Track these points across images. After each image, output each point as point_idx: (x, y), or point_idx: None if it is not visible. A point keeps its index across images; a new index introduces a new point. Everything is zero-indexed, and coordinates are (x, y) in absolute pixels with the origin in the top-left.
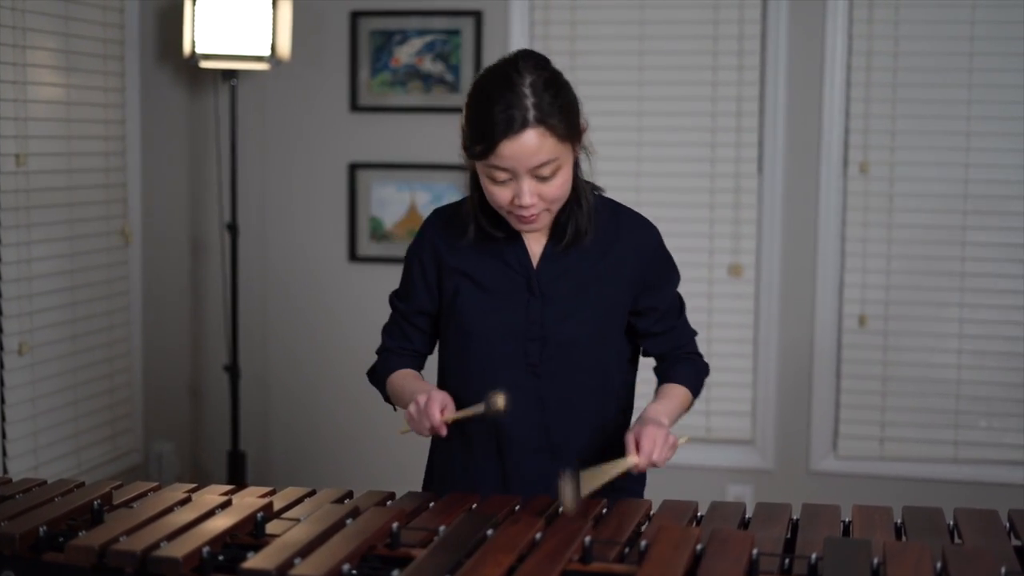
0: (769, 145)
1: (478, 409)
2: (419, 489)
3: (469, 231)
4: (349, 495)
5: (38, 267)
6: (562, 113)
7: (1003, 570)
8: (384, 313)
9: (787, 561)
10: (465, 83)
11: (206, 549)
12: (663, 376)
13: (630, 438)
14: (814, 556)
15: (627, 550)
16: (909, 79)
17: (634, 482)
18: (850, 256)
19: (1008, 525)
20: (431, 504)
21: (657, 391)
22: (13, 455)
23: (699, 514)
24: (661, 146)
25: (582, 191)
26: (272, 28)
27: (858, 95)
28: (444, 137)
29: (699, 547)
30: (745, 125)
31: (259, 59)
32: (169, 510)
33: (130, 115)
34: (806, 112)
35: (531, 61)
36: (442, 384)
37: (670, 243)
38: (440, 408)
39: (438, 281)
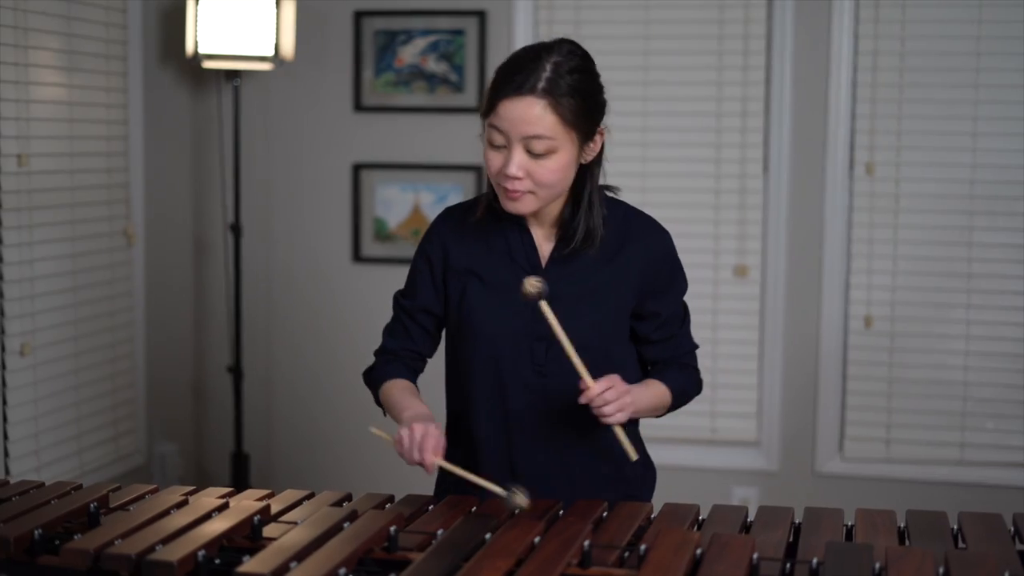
0: (775, 145)
1: (491, 487)
2: (428, 490)
3: (479, 210)
4: (348, 498)
5: (40, 268)
6: (575, 98)
7: (1006, 575)
8: (388, 314)
9: (788, 566)
10: (469, 83)
11: (201, 553)
12: (652, 374)
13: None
14: (815, 561)
15: (626, 554)
16: (915, 79)
17: (643, 489)
18: (856, 257)
19: (1013, 529)
20: (430, 507)
21: (643, 380)
22: (15, 456)
23: (700, 518)
24: (666, 146)
25: (595, 194)
26: (275, 28)
27: (864, 95)
28: (448, 137)
29: (699, 551)
30: (750, 125)
31: (262, 59)
32: (166, 513)
33: (133, 115)
34: (812, 112)
35: (568, 46)
36: (449, 383)
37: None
38: (434, 450)
39: (444, 280)
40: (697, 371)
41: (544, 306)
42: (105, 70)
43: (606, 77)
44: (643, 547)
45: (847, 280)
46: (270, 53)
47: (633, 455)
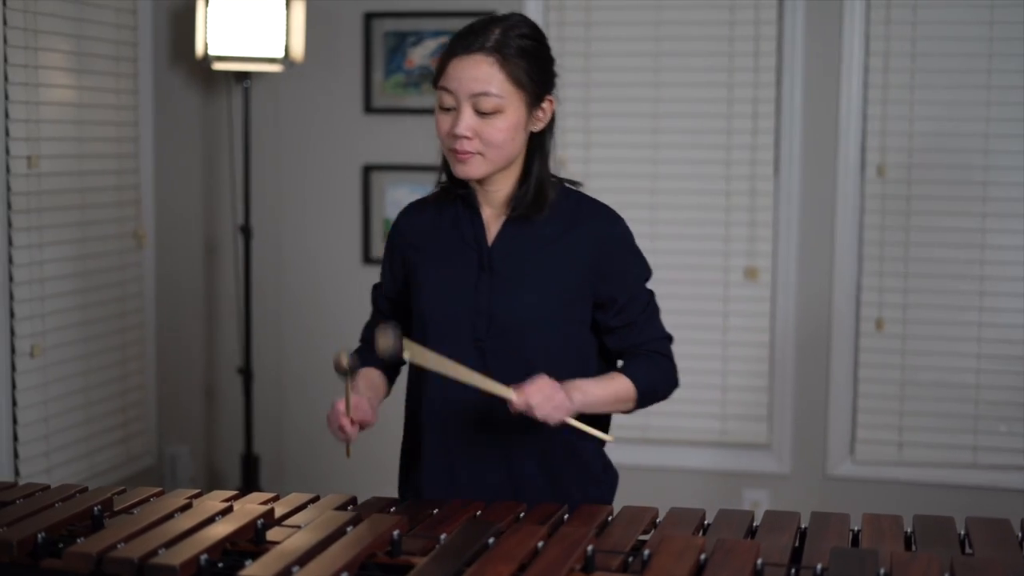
0: (785, 147)
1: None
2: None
3: (433, 193)
4: (353, 501)
5: (50, 269)
6: (524, 59)
7: None
8: None
9: (792, 571)
10: None
11: (204, 557)
12: (619, 369)
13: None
14: (819, 566)
15: (630, 559)
16: (927, 80)
17: (602, 489)
18: (867, 259)
19: (1021, 535)
20: (434, 511)
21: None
22: (25, 457)
23: (706, 522)
24: (676, 148)
25: (545, 165)
26: (285, 30)
27: (875, 97)
28: None
29: (703, 556)
30: (761, 127)
31: (272, 61)
32: (170, 516)
33: (143, 117)
34: (823, 114)
35: (519, 17)
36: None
37: (686, 245)
38: (340, 413)
39: (403, 266)
40: (670, 361)
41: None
42: (115, 72)
43: (616, 79)
44: (647, 552)
45: (858, 282)
46: (280, 55)
47: (606, 437)
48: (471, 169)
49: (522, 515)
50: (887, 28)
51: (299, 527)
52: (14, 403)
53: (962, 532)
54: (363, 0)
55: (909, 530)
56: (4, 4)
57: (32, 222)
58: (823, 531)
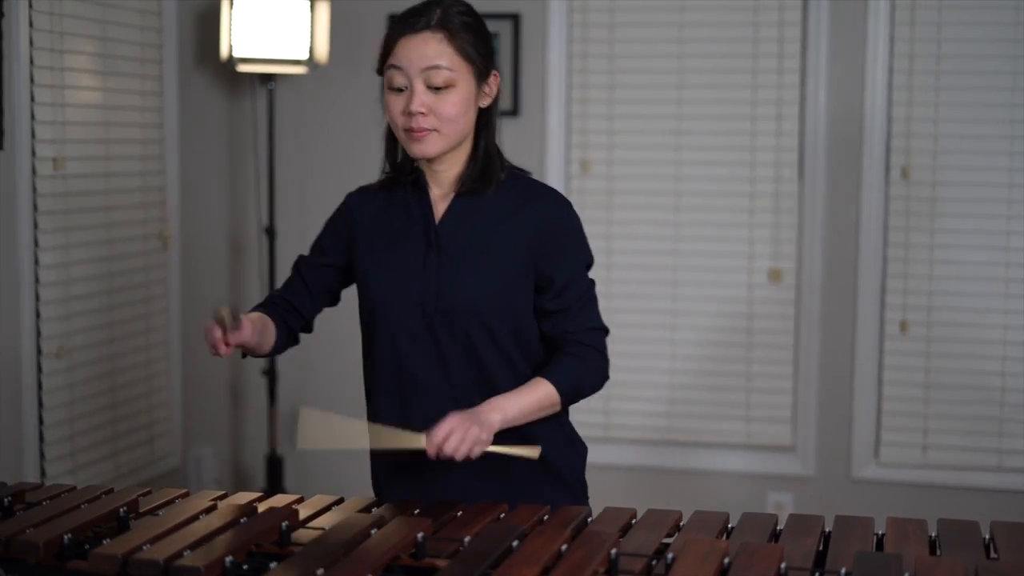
0: (810, 149)
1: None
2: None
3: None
4: (377, 503)
5: (76, 271)
6: (469, 34)
7: None
8: None
9: (816, 575)
10: (504, 87)
11: (229, 558)
12: (544, 368)
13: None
14: (843, 570)
15: (654, 562)
16: (952, 82)
17: (571, 495)
18: (892, 261)
19: None
20: (458, 513)
21: (526, 383)
22: (51, 458)
23: (730, 525)
24: (700, 149)
25: (492, 141)
26: (310, 32)
27: (900, 98)
28: None
29: (727, 560)
30: (785, 128)
31: (297, 63)
32: (195, 518)
33: (168, 119)
34: (847, 115)
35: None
36: (365, 340)
37: (710, 247)
38: (220, 326)
39: (347, 243)
40: (600, 354)
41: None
42: (140, 74)
43: (640, 80)
44: (670, 555)
45: (883, 284)
46: (304, 56)
47: (532, 454)
48: (428, 147)
49: (546, 518)
50: (912, 29)
51: (324, 529)
52: (40, 404)
53: (987, 536)
54: (387, 1)
55: (933, 534)
56: (30, 6)
57: (58, 224)
58: (847, 535)
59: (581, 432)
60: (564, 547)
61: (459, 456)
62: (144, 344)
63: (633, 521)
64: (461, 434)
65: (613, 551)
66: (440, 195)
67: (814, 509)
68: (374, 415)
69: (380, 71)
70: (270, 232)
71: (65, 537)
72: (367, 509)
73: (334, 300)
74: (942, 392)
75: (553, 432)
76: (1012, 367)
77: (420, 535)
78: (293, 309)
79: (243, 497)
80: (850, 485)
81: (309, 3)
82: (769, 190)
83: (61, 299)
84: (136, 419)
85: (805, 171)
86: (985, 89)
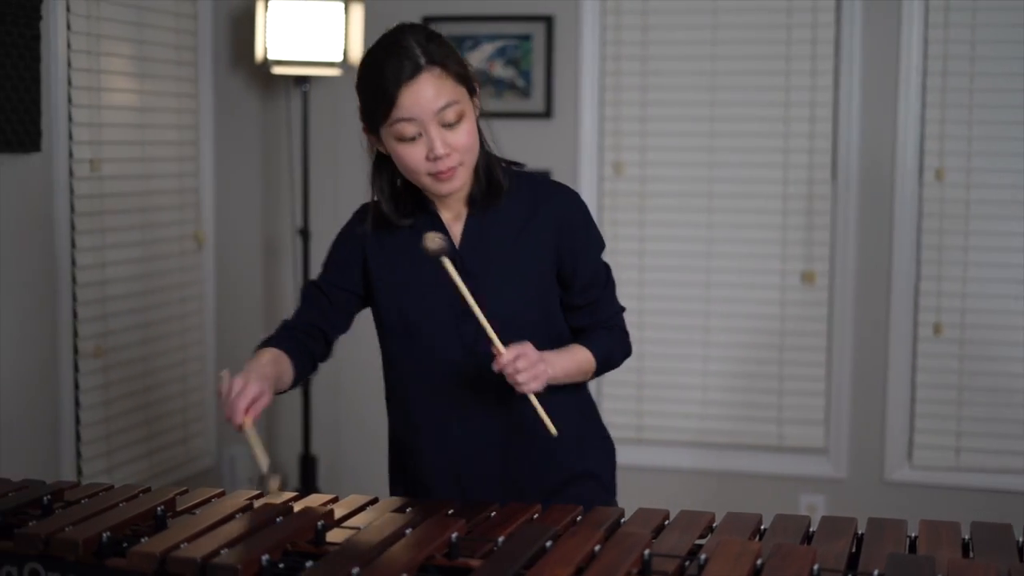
0: (843, 150)
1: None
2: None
3: (369, 222)
4: (411, 503)
5: (112, 271)
6: (451, 57)
7: None
8: None
9: None
10: (536, 88)
11: (265, 557)
12: (577, 339)
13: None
14: (876, 572)
15: (687, 563)
16: (986, 83)
17: (602, 492)
18: (925, 264)
19: None
20: (492, 514)
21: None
22: (87, 457)
23: (763, 527)
24: (733, 151)
25: (484, 150)
26: (344, 34)
27: (934, 100)
28: (515, 142)
29: (759, 562)
30: (819, 131)
31: (331, 65)
32: (231, 517)
33: (203, 120)
34: (881, 118)
35: (408, 26)
36: (388, 382)
37: (743, 249)
38: (248, 403)
39: (364, 270)
40: (625, 333)
41: (447, 263)
42: (176, 76)
43: (673, 82)
44: (703, 556)
45: (916, 287)
46: (339, 59)
47: (552, 430)
48: (456, 183)
49: (579, 519)
50: (946, 31)
51: (359, 529)
52: (77, 404)
53: (1020, 539)
54: (422, 1)
55: (967, 537)
56: (68, 10)
57: (94, 224)
58: (880, 537)
59: (613, 434)
60: (597, 548)
61: (520, 379)
62: (179, 344)
63: (666, 522)
64: (533, 363)
65: (646, 552)
66: (452, 217)
67: (846, 511)
68: (402, 404)
69: (374, 129)
70: (304, 233)
71: (104, 535)
72: (401, 509)
73: (349, 325)
74: (976, 395)
75: (590, 430)
76: None
77: (454, 535)
78: (319, 332)
79: (278, 497)
80: (883, 487)
81: (343, 5)
82: (802, 192)
83: (98, 299)
84: (171, 419)
85: (838, 173)
86: (1019, 91)
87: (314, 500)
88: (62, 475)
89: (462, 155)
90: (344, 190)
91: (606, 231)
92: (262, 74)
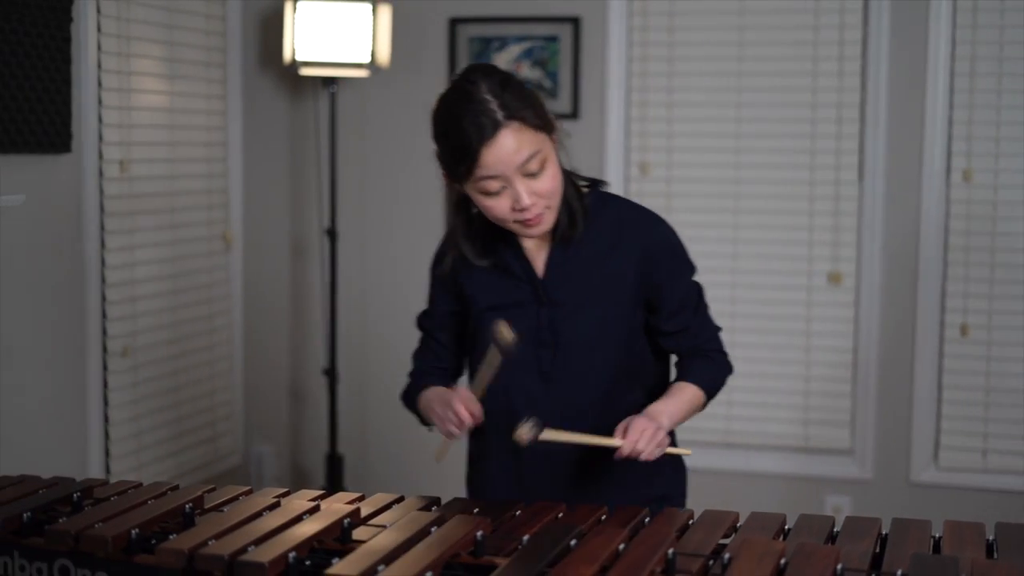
0: (870, 151)
1: (491, 361)
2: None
3: (448, 263)
4: (436, 502)
5: (141, 271)
6: (527, 105)
7: None
8: None
9: None
10: (563, 90)
11: (292, 554)
12: (679, 373)
13: (621, 425)
14: (900, 573)
15: (711, 563)
16: (1014, 85)
17: (673, 489)
18: (952, 265)
19: None
20: (517, 512)
21: (669, 388)
22: (116, 455)
23: (787, 527)
24: (760, 151)
25: (565, 180)
26: (372, 36)
27: (961, 101)
28: None
29: (783, 561)
30: (846, 132)
31: (359, 66)
32: (258, 515)
33: (232, 122)
34: (908, 119)
35: (480, 70)
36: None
37: (770, 250)
38: (464, 402)
39: (458, 298)
40: (724, 355)
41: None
42: (205, 77)
43: (699, 83)
44: (727, 556)
45: (943, 288)
46: (366, 60)
47: (686, 452)
48: (544, 226)
49: (604, 518)
50: (973, 31)
51: (384, 527)
52: (106, 402)
53: None
54: (449, 2)
55: (991, 538)
56: (98, 11)
57: (124, 225)
58: (904, 537)
59: None
60: (622, 546)
61: (646, 457)
62: (207, 344)
63: (690, 522)
64: (651, 436)
65: (670, 551)
66: (534, 246)
67: (872, 512)
68: (485, 466)
69: (456, 180)
70: (331, 234)
71: (133, 532)
72: (427, 507)
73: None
74: (1002, 396)
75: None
76: None
77: (479, 533)
78: (447, 372)
79: (305, 495)
80: (908, 489)
81: (371, 7)
82: (829, 192)
83: (126, 299)
84: (199, 417)
85: (865, 173)
86: None
87: (340, 498)
88: (91, 473)
89: (548, 200)
90: (372, 191)
91: None
92: (290, 75)
